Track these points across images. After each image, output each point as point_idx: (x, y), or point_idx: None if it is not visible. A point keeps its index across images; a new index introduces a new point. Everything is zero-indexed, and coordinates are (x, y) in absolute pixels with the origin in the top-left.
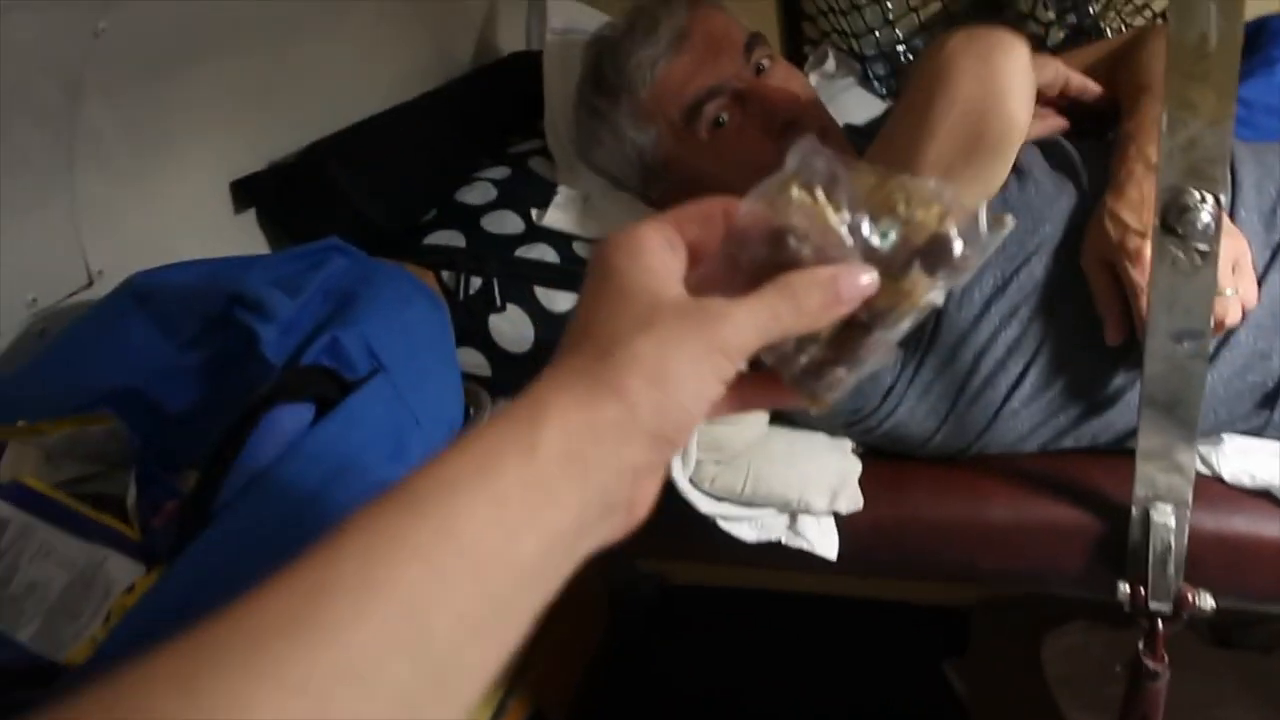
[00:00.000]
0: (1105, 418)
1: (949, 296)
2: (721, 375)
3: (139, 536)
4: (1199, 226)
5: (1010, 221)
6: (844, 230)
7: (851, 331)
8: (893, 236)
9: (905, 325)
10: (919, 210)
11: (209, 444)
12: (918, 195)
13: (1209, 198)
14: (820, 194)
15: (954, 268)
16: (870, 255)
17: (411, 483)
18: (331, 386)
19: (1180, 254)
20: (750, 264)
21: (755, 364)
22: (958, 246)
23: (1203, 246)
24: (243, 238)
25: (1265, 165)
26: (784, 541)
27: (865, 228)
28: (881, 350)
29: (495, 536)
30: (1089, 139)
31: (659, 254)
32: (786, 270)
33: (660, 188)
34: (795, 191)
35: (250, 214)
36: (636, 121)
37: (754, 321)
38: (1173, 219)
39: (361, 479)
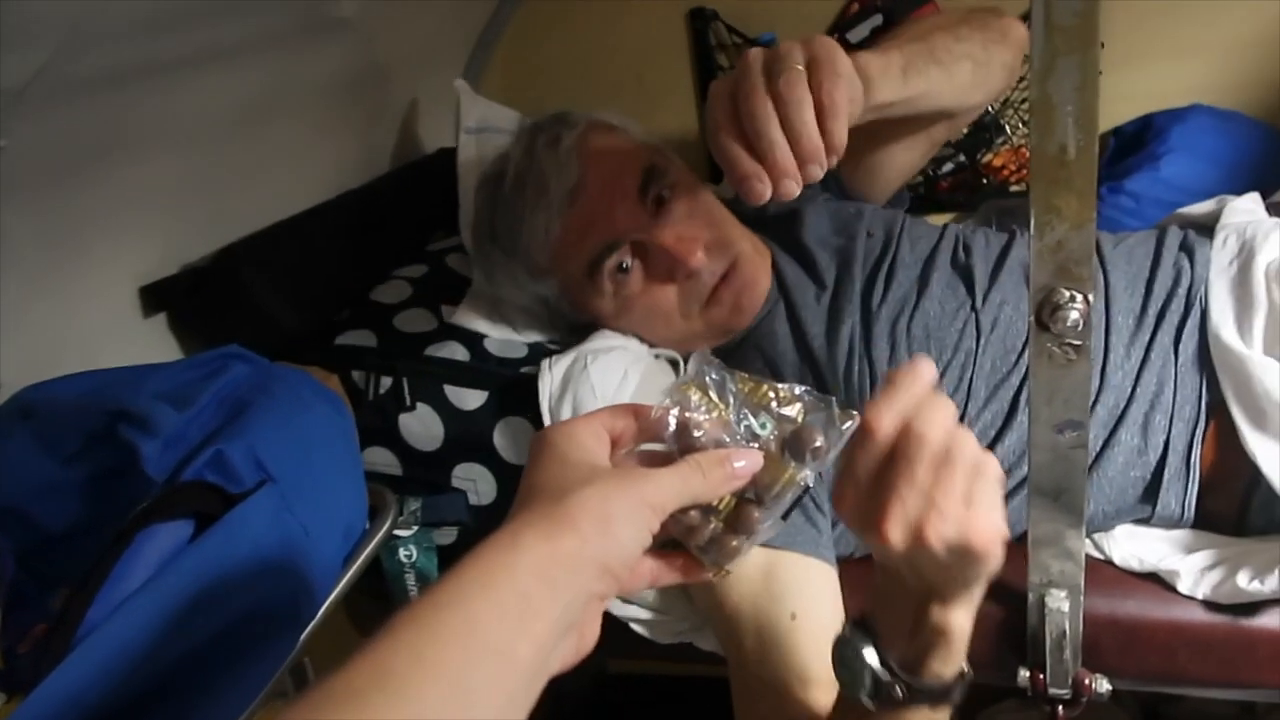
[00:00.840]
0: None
1: None
2: (649, 525)
3: (2, 664)
4: (1069, 323)
5: (855, 415)
6: (734, 423)
7: (744, 508)
8: (770, 428)
9: (786, 500)
10: (786, 408)
11: (86, 564)
12: (784, 395)
13: (1078, 296)
14: (714, 394)
15: (815, 455)
16: (753, 442)
17: (435, 591)
18: (214, 501)
19: (1055, 349)
20: (661, 448)
21: (666, 546)
22: (817, 438)
23: (1075, 341)
24: (153, 343)
25: (1135, 264)
26: (695, 643)
27: (751, 421)
28: (768, 523)
29: (502, 636)
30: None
31: (590, 438)
32: (690, 453)
33: (567, 323)
34: (694, 394)
35: (161, 319)
36: (535, 276)
37: (671, 484)
38: (1046, 316)
39: (241, 594)
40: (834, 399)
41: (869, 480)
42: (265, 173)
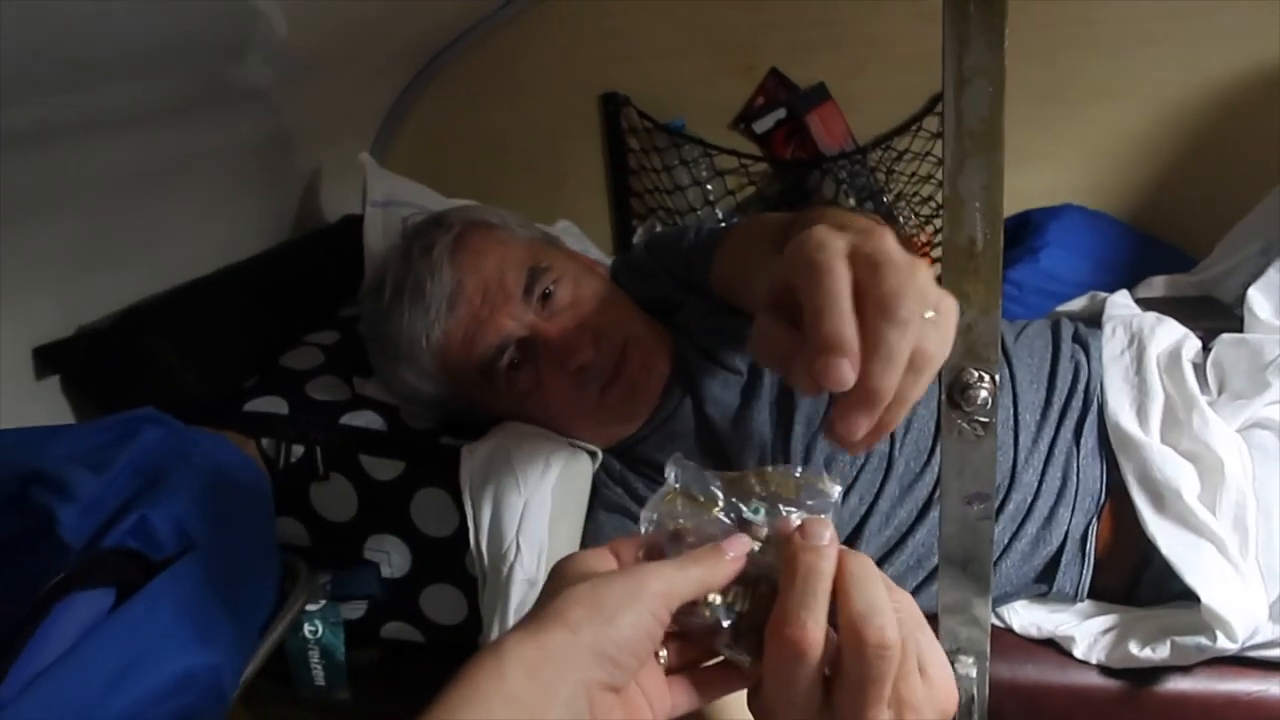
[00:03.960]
0: (930, 589)
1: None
2: (651, 610)
3: None
4: (979, 401)
5: (838, 483)
6: (723, 516)
7: (758, 592)
8: (761, 512)
9: None
10: (774, 487)
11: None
12: (770, 476)
13: (985, 376)
14: (699, 495)
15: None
16: (747, 529)
17: (424, 715)
18: (135, 569)
19: (965, 425)
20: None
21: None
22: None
23: (983, 419)
24: (46, 406)
25: (1036, 357)
26: None
27: (742, 509)
28: None
29: None
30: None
31: (594, 560)
32: None
33: (466, 417)
34: (679, 502)
35: (54, 381)
36: (426, 379)
37: (671, 573)
38: (956, 395)
39: (163, 667)
40: (818, 469)
41: (810, 708)
42: (167, 237)
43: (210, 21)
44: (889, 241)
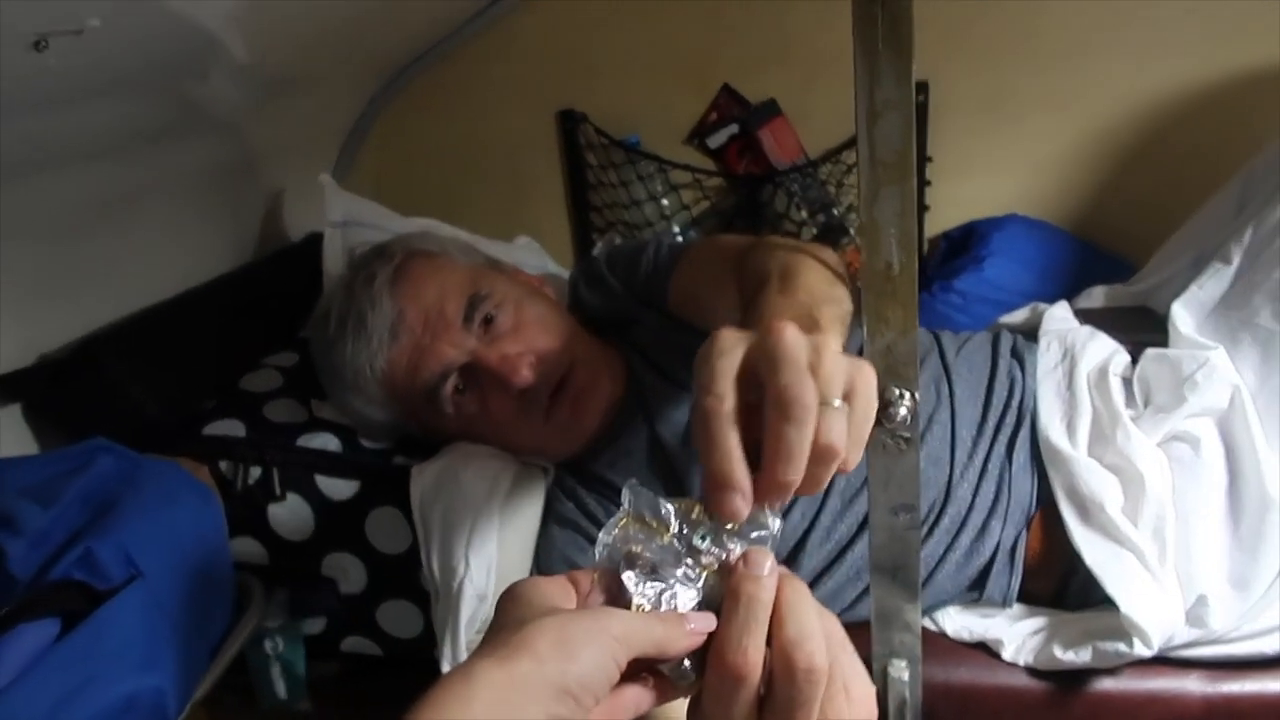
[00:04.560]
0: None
1: None
2: (612, 653)
3: None
4: (900, 418)
5: (772, 516)
6: (675, 543)
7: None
8: (709, 539)
9: None
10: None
11: None
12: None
13: (905, 394)
14: (652, 521)
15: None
16: (693, 551)
17: None
18: (80, 599)
19: (889, 440)
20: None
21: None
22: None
23: (905, 434)
24: (7, 435)
25: (975, 372)
26: None
27: (694, 537)
28: None
29: None
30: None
31: (555, 588)
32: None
33: (423, 440)
34: (633, 526)
35: (15, 410)
36: (374, 406)
37: (634, 623)
38: (879, 412)
39: (106, 691)
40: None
41: None
42: (130, 262)
43: (171, 50)
44: (788, 334)
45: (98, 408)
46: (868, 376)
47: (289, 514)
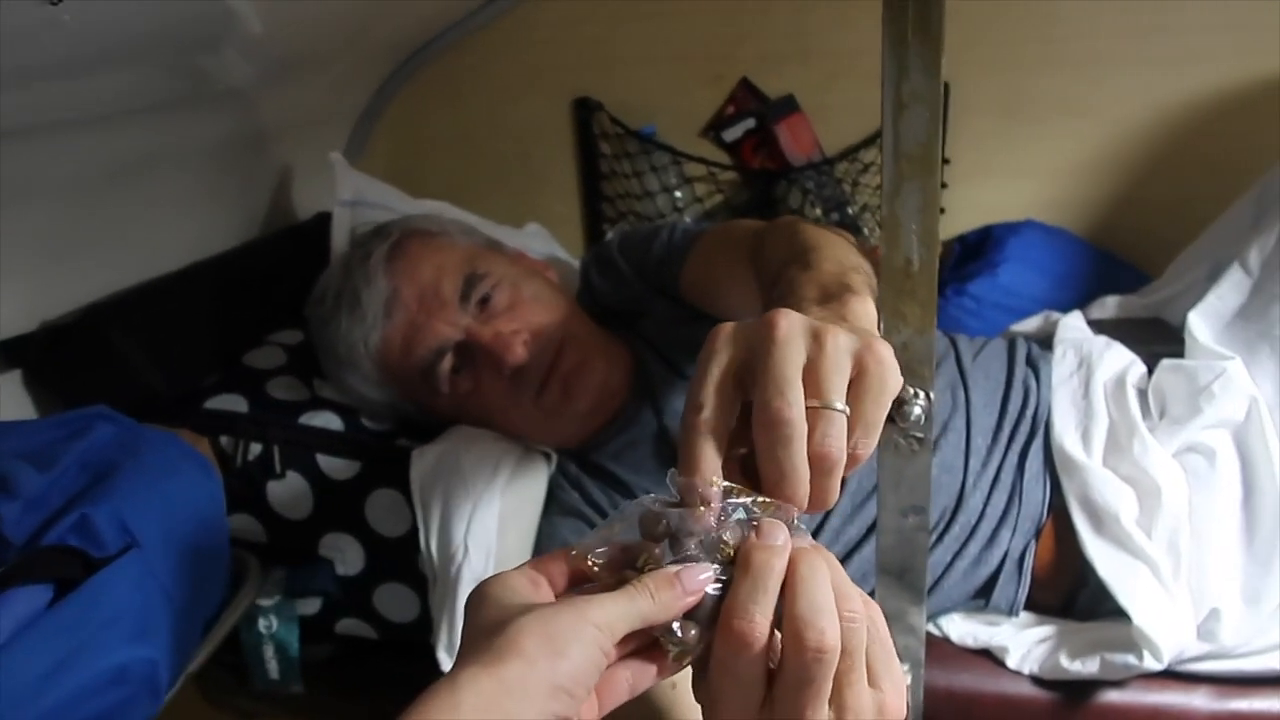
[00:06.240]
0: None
1: None
2: (599, 644)
3: None
4: (913, 418)
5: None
6: (711, 519)
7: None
8: (743, 513)
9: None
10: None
11: None
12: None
13: (920, 394)
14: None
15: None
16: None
17: None
18: (75, 566)
19: (901, 440)
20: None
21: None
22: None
23: (918, 434)
24: (6, 400)
25: (991, 379)
26: None
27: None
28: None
29: None
30: None
31: (524, 581)
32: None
33: (419, 419)
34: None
35: (16, 376)
36: (370, 385)
37: (617, 605)
38: (893, 411)
39: (98, 660)
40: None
41: (753, 700)
42: (136, 232)
43: (185, 18)
44: (781, 329)
45: (99, 376)
46: (879, 354)
47: (288, 492)
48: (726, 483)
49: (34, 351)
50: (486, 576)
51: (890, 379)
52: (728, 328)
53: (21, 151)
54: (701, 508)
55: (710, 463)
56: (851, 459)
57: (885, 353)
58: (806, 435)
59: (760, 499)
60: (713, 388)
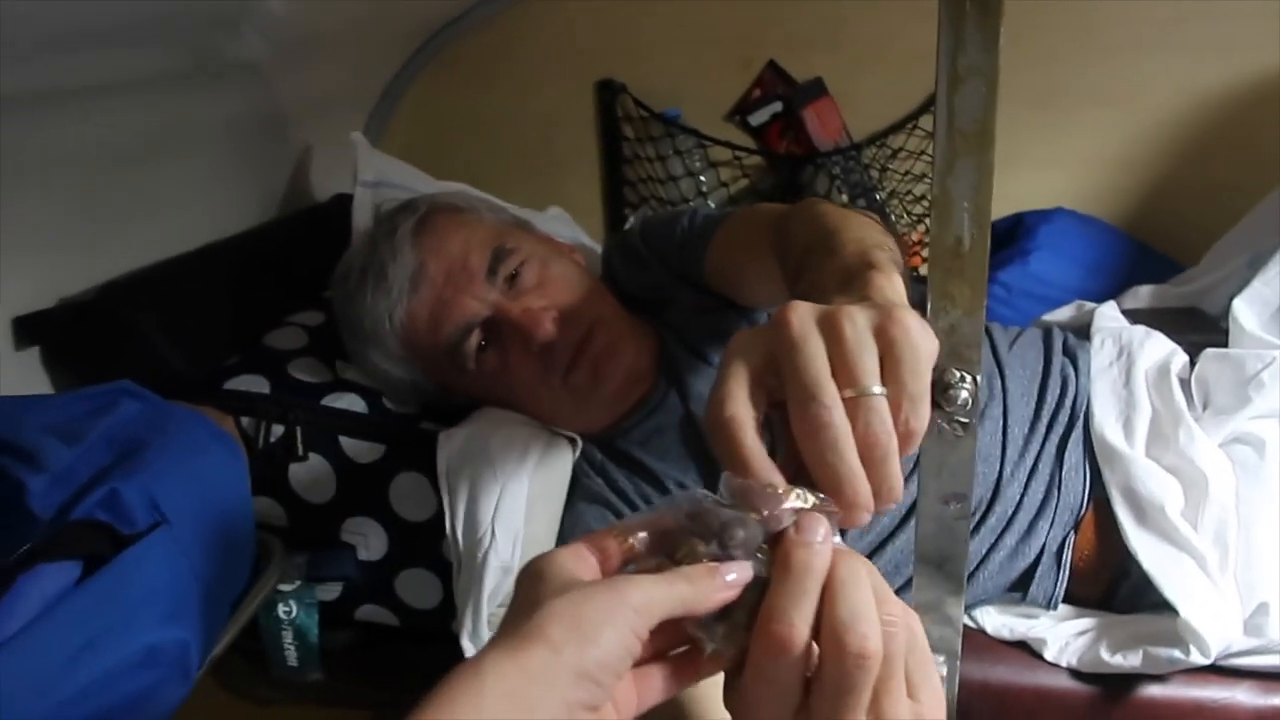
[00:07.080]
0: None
1: None
2: (632, 627)
3: None
4: (959, 401)
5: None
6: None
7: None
8: (811, 499)
9: None
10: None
11: None
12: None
13: (967, 377)
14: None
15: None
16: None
17: None
18: (104, 542)
19: (945, 425)
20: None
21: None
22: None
23: (963, 419)
24: (25, 376)
25: (1028, 368)
26: None
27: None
28: None
29: None
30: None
31: (571, 558)
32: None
33: (442, 401)
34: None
35: (34, 352)
36: (394, 362)
37: (656, 588)
38: (938, 395)
39: (129, 641)
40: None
41: (789, 707)
42: (155, 210)
43: None
44: (794, 326)
45: (118, 355)
46: (902, 321)
47: (310, 475)
48: (783, 486)
49: (53, 328)
50: (513, 562)
51: (922, 344)
52: (742, 336)
53: (40, 128)
54: (753, 515)
55: (764, 467)
56: (905, 437)
57: (909, 319)
58: (851, 431)
59: (816, 502)
60: (744, 397)
